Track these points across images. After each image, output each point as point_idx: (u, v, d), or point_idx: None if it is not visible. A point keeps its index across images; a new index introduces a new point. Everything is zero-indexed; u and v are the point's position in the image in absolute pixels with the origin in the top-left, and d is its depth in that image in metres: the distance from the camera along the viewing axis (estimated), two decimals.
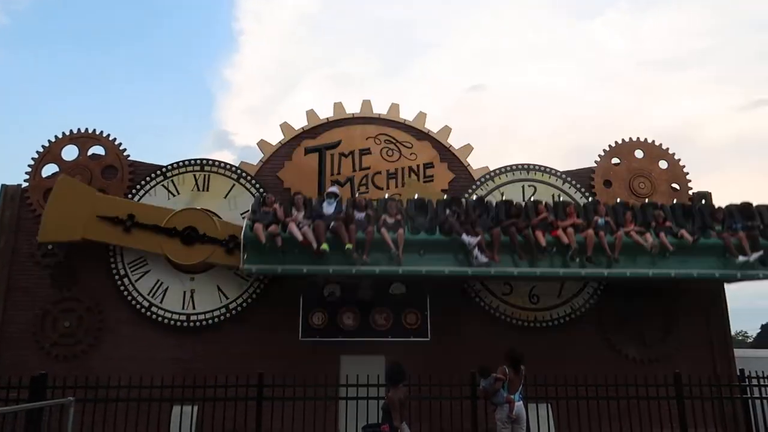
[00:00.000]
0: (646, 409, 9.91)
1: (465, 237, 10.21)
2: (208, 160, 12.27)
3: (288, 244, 10.09)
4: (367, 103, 12.83)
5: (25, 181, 11.97)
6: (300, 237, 9.93)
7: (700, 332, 11.93)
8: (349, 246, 9.86)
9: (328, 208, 10.55)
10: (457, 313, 11.63)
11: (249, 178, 12.14)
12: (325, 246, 9.93)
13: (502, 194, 12.25)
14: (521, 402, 7.50)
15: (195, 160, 12.25)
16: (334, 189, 11.05)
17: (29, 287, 11.38)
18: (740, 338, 44.35)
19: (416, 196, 11.39)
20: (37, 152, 12.08)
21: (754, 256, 10.44)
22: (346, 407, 9.23)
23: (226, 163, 12.26)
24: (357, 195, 11.77)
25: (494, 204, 11.18)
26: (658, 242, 10.43)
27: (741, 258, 10.45)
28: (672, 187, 12.76)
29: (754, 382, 9.71)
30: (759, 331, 45.34)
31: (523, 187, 12.40)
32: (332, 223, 10.12)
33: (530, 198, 11.75)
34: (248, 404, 9.17)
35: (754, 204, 11.44)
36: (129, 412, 9.22)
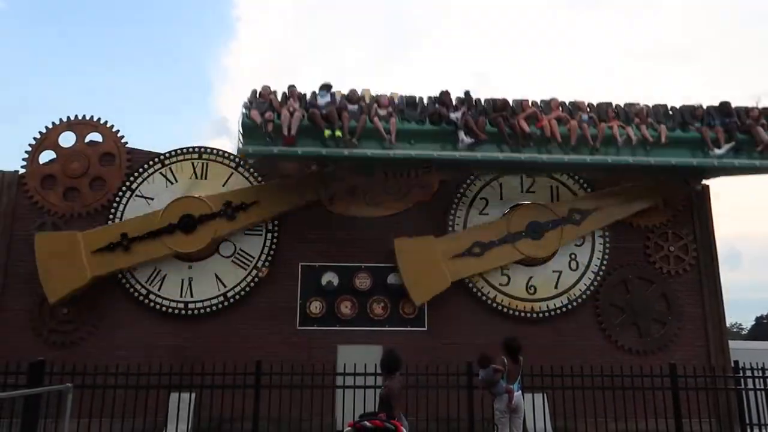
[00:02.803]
0: (641, 399, 9.98)
1: (452, 114, 10.74)
2: (206, 148, 12.23)
3: (279, 130, 10.34)
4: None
5: (22, 167, 11.92)
6: (286, 128, 10.23)
7: (696, 324, 12.01)
8: (338, 133, 10.27)
9: (322, 100, 10.80)
10: (454, 303, 11.66)
11: (247, 166, 12.10)
12: (338, 132, 10.33)
13: (500, 185, 12.28)
14: (520, 392, 7.55)
15: (193, 147, 12.20)
16: (327, 82, 11.19)
17: (27, 273, 11.36)
18: (735, 330, 44.68)
19: (407, 95, 11.56)
20: (35, 139, 12.02)
21: (726, 147, 10.97)
22: (344, 396, 9.27)
23: (224, 152, 12.22)
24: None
25: (482, 100, 11.49)
26: (639, 135, 10.89)
27: (717, 150, 10.97)
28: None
29: (748, 373, 9.80)
30: (753, 323, 45.69)
31: (521, 178, 12.36)
32: (324, 110, 10.48)
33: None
34: (246, 392, 9.22)
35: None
36: (127, 399, 9.26)
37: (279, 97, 10.94)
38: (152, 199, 11.73)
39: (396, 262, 11.43)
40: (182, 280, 11.48)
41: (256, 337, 11.22)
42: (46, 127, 12.11)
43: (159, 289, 11.43)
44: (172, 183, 11.90)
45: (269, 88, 11.07)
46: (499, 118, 10.78)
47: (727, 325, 13.17)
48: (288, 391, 9.24)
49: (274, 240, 11.75)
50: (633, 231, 12.37)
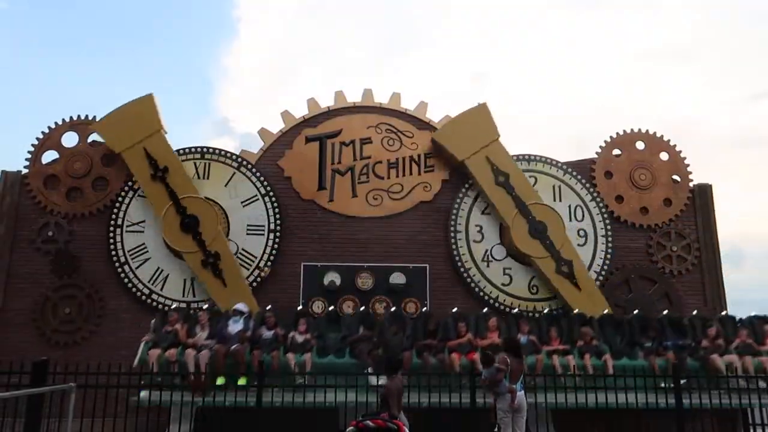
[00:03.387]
0: (644, 399, 9.94)
1: (369, 372, 9.27)
2: (208, 148, 12.24)
3: (185, 370, 9.22)
4: (368, 92, 12.78)
5: (25, 167, 11.94)
6: (191, 369, 9.11)
7: None
8: (242, 381, 9.00)
9: (234, 326, 9.70)
10: (456, 302, 11.64)
11: (249, 166, 12.11)
12: (221, 380, 9.08)
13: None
14: (523, 392, 7.54)
15: (195, 147, 12.21)
16: (241, 307, 10.05)
17: (30, 274, 11.39)
18: None
19: (330, 309, 10.99)
20: (37, 139, 12.05)
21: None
22: (345, 395, 9.26)
23: (226, 152, 12.23)
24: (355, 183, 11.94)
25: (411, 319, 10.59)
26: (581, 364, 9.68)
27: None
28: (673, 179, 12.76)
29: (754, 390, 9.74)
30: None
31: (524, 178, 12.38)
32: (234, 346, 9.35)
33: (455, 310, 10.86)
34: (248, 391, 9.19)
35: (694, 313, 11.24)
36: (130, 399, 9.26)
37: (185, 328, 9.81)
38: None
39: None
40: (184, 280, 11.49)
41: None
42: (49, 127, 12.13)
43: (161, 289, 11.44)
44: None
45: (176, 313, 10.19)
46: (425, 353, 9.62)
47: None
48: (290, 389, 9.22)
49: (276, 239, 11.75)
50: (636, 230, 12.36)
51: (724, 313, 11.31)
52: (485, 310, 11.23)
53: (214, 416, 9.27)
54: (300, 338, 9.75)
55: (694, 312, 11.28)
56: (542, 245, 11.66)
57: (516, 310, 11.48)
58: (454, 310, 10.81)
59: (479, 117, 12.20)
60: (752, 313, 10.94)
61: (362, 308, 11.10)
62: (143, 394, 9.00)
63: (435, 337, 10.10)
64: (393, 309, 10.96)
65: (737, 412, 10.20)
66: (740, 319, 10.85)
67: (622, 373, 9.24)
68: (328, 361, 9.57)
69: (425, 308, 11.33)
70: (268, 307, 10.54)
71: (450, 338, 9.97)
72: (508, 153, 12.20)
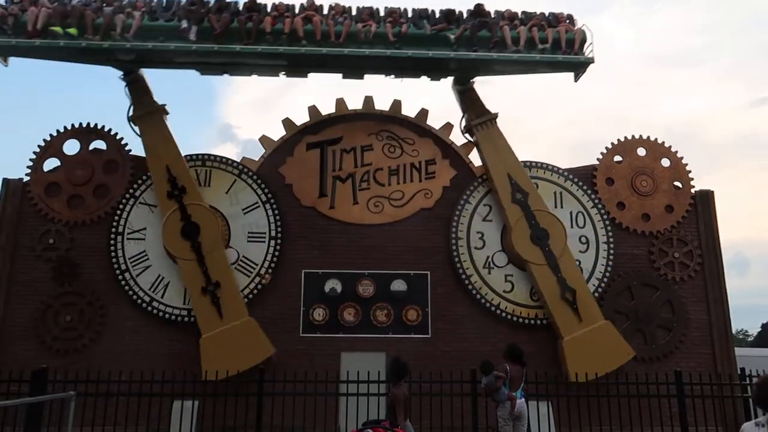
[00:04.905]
0: (647, 407, 9.91)
1: (183, 22, 11.20)
2: (209, 155, 12.25)
3: (22, 27, 10.87)
4: (369, 99, 12.80)
5: (26, 175, 11.96)
6: (30, 24, 10.75)
7: (701, 331, 11.94)
8: (72, 30, 10.87)
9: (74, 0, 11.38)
10: (458, 309, 11.62)
11: (250, 173, 12.12)
12: (72, 30, 10.82)
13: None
14: (523, 399, 7.50)
15: (196, 155, 12.23)
16: None
17: (30, 281, 11.39)
18: (741, 337, 44.38)
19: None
20: (39, 146, 12.07)
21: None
22: (347, 403, 9.23)
23: (227, 159, 12.24)
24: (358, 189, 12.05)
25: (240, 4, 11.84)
26: (383, 31, 11.41)
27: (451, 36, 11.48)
28: (674, 185, 12.73)
29: (755, 381, 9.69)
30: (759, 330, 45.34)
31: None
32: (69, 7, 11.10)
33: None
34: (249, 400, 9.18)
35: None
36: (129, 407, 9.23)
37: None
38: (156, 206, 11.74)
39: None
40: (185, 288, 11.47)
41: None
42: (51, 135, 12.16)
43: (162, 297, 11.43)
44: None
45: None
46: (242, 18, 11.21)
47: (733, 331, 13.07)
48: (291, 398, 9.20)
49: (278, 247, 11.74)
50: (637, 237, 12.32)
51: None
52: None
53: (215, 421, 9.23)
54: (137, 12, 11.34)
55: None
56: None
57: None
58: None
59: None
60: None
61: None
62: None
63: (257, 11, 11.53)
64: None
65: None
66: None
67: None
68: (159, 24, 11.37)
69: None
70: None
71: None
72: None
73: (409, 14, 12.18)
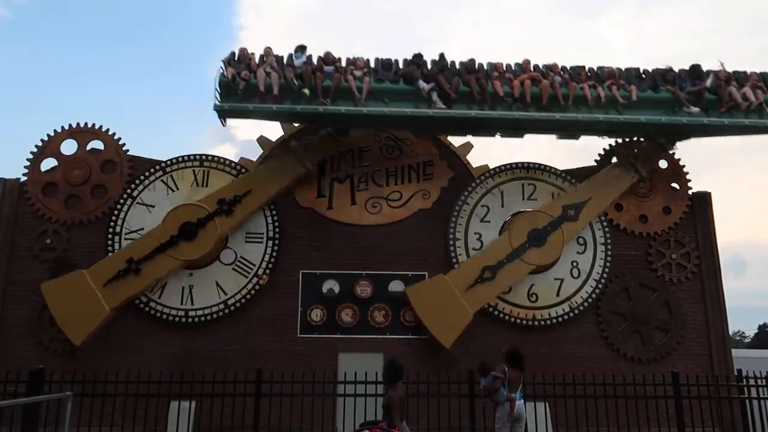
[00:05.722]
0: (644, 408, 9.92)
1: (421, 83, 10.77)
2: (207, 155, 12.24)
3: (253, 89, 10.54)
4: None
5: (24, 175, 11.93)
6: (262, 85, 10.45)
7: (698, 332, 11.96)
8: (306, 90, 10.52)
9: (298, 61, 11.02)
10: None
11: (248, 174, 12.10)
12: (306, 90, 10.54)
13: (502, 192, 12.28)
14: (522, 401, 7.50)
15: (194, 155, 12.22)
16: (302, 44, 11.35)
17: (28, 281, 11.36)
18: (738, 338, 44.47)
19: (383, 57, 11.61)
20: (36, 146, 12.05)
21: (695, 109, 11.17)
22: (344, 404, 9.23)
23: (225, 159, 12.23)
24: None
25: (457, 63, 11.50)
26: (610, 94, 11.07)
27: (692, 109, 11.16)
28: (672, 187, 12.75)
29: (752, 382, 9.74)
30: (756, 331, 45.46)
31: (522, 185, 12.39)
32: (299, 70, 10.75)
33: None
34: (246, 400, 9.17)
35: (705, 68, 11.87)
36: (127, 407, 9.22)
37: (257, 59, 11.04)
38: (153, 206, 11.73)
39: (413, 306, 11.31)
40: (183, 288, 11.46)
41: (257, 345, 11.19)
42: (48, 135, 12.14)
43: (159, 297, 11.41)
44: (173, 190, 11.90)
45: (247, 50, 11.15)
46: (471, 79, 10.90)
47: (730, 333, 13.10)
48: (289, 399, 9.19)
49: (275, 248, 11.73)
50: (635, 238, 12.34)
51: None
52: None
53: (212, 422, 9.22)
54: (358, 72, 10.91)
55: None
56: None
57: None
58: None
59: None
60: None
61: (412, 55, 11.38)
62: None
63: (478, 73, 11.19)
64: (438, 55, 11.55)
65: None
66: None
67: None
68: (384, 86, 10.99)
69: None
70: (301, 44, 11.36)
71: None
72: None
73: (623, 73, 11.75)
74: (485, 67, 11.45)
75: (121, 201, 11.80)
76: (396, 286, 11.69)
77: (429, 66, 11.30)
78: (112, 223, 11.67)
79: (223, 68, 10.74)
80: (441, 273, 11.53)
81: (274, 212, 11.91)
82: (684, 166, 12.83)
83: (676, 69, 11.80)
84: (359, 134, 12.45)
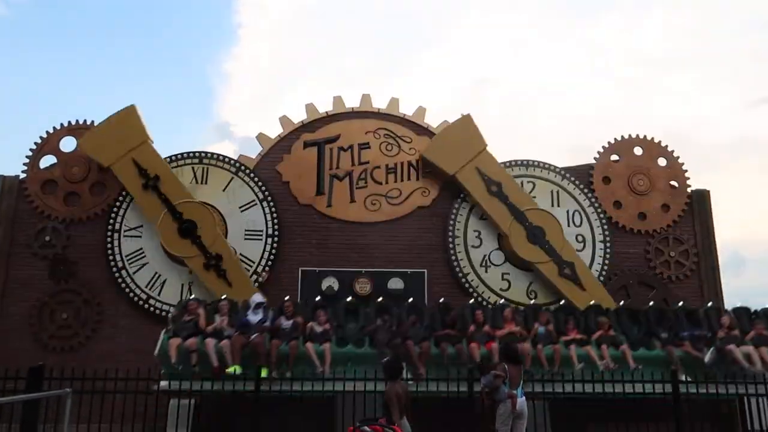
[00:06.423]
0: (643, 407, 9.91)
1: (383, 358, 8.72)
2: (206, 153, 12.23)
3: (205, 361, 8.97)
4: (366, 98, 12.79)
5: (23, 172, 11.93)
6: (215, 362, 8.92)
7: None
8: (264, 372, 8.78)
9: (254, 317, 9.54)
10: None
11: (248, 171, 12.11)
12: (234, 368, 8.90)
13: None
14: (523, 398, 7.51)
15: (193, 152, 12.21)
16: (259, 298, 9.90)
17: (27, 279, 11.36)
18: None
19: (348, 299, 10.71)
20: (35, 143, 12.04)
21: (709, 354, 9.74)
22: (343, 402, 9.22)
23: (224, 156, 12.23)
24: (354, 187, 11.98)
25: (429, 310, 10.43)
26: (599, 353, 9.59)
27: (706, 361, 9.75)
28: (671, 185, 12.76)
29: (750, 380, 9.73)
30: None
31: (521, 183, 12.39)
32: (253, 336, 9.16)
33: (473, 300, 11.35)
34: (246, 398, 9.15)
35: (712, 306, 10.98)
36: (126, 405, 9.21)
37: (206, 314, 9.54)
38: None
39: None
40: (182, 285, 11.47)
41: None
42: (47, 132, 12.13)
43: (159, 294, 11.42)
44: None
45: (196, 302, 9.78)
46: (443, 344, 9.43)
47: None
48: (288, 396, 9.18)
49: (275, 245, 11.74)
50: (634, 236, 12.35)
51: (739, 304, 11.10)
52: (501, 300, 11.20)
53: (212, 419, 9.22)
54: (319, 329, 9.46)
55: (709, 303, 11.13)
56: (542, 250, 11.66)
57: (532, 302, 11.35)
58: (441, 300, 10.70)
59: (464, 129, 12.20)
60: None
61: (380, 299, 10.67)
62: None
63: (453, 327, 9.90)
64: (411, 300, 10.74)
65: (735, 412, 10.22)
66: (755, 311, 10.64)
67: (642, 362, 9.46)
68: (347, 351, 9.46)
69: (442, 299, 10.91)
70: (287, 297, 10.11)
71: (467, 329, 9.77)
72: (497, 161, 12.20)
73: None
74: (463, 313, 10.07)
75: (120, 198, 11.79)
76: (395, 283, 11.69)
77: (397, 318, 9.87)
78: (111, 221, 11.66)
79: (167, 335, 9.33)
80: (440, 270, 11.54)
81: (273, 209, 11.90)
82: (683, 163, 12.86)
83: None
84: (357, 130, 12.47)
